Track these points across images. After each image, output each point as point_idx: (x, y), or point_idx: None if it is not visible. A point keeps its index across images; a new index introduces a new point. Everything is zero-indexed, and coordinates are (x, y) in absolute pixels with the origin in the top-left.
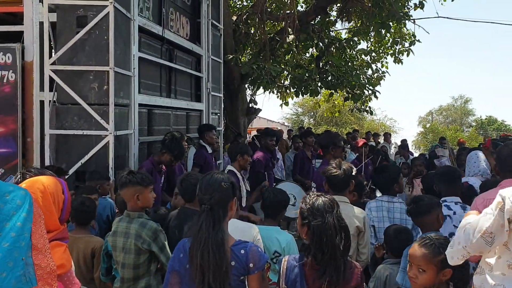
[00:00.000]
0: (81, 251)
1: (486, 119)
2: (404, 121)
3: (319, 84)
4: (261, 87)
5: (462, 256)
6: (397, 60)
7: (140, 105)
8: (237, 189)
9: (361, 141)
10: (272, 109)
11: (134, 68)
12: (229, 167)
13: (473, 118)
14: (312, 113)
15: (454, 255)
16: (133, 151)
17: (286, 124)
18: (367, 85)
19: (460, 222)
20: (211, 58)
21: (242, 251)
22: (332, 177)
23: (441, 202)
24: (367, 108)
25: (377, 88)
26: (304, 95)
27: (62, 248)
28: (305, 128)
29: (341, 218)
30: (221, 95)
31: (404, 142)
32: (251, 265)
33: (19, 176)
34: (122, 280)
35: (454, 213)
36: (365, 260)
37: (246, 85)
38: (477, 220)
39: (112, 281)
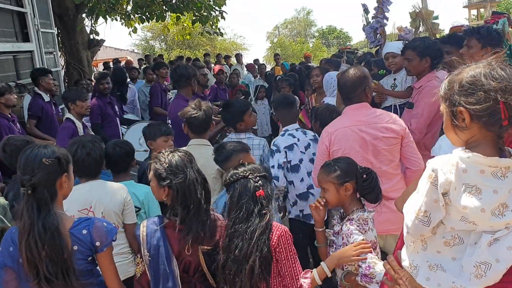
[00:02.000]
0: None
1: (327, 29)
2: (253, 37)
3: (164, 7)
4: (101, 16)
5: (413, 243)
6: None
7: None
8: (68, 161)
9: (216, 67)
10: (119, 36)
11: None
12: (67, 115)
13: (315, 29)
14: (162, 36)
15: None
16: None
17: (136, 51)
18: (213, 6)
19: (304, 147)
20: None
21: (84, 231)
22: (192, 119)
23: (284, 132)
24: (217, 30)
25: (223, 8)
26: (150, 21)
27: None
28: (157, 55)
29: (199, 170)
30: (54, 30)
31: (257, 62)
32: (97, 243)
33: None
34: None
35: (298, 140)
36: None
37: (84, 15)
38: (410, 202)
39: None
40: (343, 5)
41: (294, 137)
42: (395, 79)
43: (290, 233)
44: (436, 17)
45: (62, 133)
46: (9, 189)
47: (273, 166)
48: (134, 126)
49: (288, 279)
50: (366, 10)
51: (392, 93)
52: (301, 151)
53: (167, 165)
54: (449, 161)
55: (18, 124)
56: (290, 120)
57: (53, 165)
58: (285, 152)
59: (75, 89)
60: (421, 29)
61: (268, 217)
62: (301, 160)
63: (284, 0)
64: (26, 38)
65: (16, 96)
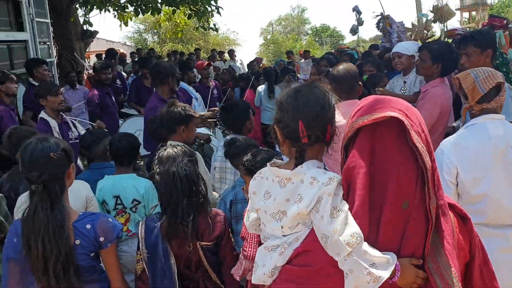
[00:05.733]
0: None
1: (320, 27)
2: (246, 33)
3: (159, 0)
4: (95, 7)
5: None
6: None
7: None
8: (72, 151)
9: (204, 62)
10: (112, 28)
11: None
12: (41, 114)
13: (309, 27)
14: (155, 30)
15: None
16: None
17: (128, 43)
18: (210, 0)
19: None
20: None
21: (88, 226)
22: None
23: None
24: (212, 25)
25: (219, 3)
26: (144, 14)
27: None
28: (149, 48)
29: (189, 166)
30: (48, 20)
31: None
32: (101, 239)
33: None
34: None
35: None
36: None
37: (77, 6)
38: None
39: None
40: (337, 4)
41: None
42: (405, 82)
43: None
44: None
45: None
46: (5, 181)
47: None
48: (130, 120)
49: None
50: (358, 12)
51: (400, 97)
52: None
53: (156, 156)
54: None
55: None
56: None
57: (61, 158)
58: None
59: (44, 84)
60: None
61: None
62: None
63: None
64: (20, 28)
65: (16, 85)
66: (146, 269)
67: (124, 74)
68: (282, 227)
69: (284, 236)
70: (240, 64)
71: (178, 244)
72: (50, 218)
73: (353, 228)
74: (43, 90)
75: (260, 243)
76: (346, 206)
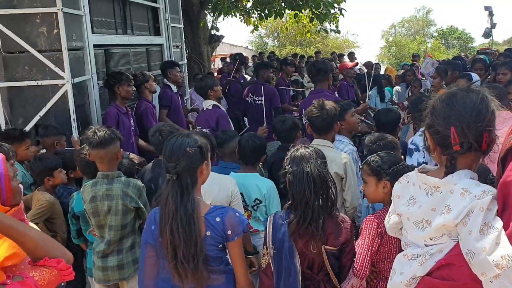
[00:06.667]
0: None
1: (447, 29)
2: (366, 35)
3: (283, 5)
4: (223, 13)
5: None
6: None
7: (95, 46)
8: (208, 150)
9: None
10: (234, 33)
11: (84, 6)
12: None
13: (434, 29)
14: (275, 34)
15: None
16: (94, 97)
17: (249, 47)
18: (332, 3)
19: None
20: None
21: (218, 219)
22: (314, 118)
23: (421, 132)
24: (336, 27)
25: (342, 5)
26: (268, 18)
27: None
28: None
29: (321, 167)
30: (181, 25)
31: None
32: (229, 232)
33: None
34: (108, 242)
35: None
36: (350, 207)
37: (206, 12)
38: None
39: (85, 242)
40: (466, 5)
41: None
42: None
43: None
44: None
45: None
46: (147, 172)
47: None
48: None
49: None
50: (490, 13)
51: None
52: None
53: (288, 156)
54: None
55: None
56: None
57: (196, 153)
58: (423, 151)
59: (208, 77)
60: None
61: None
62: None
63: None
64: (157, 32)
65: (155, 84)
66: (271, 264)
67: (247, 76)
68: (425, 236)
69: (426, 246)
70: (360, 67)
71: (304, 244)
72: (179, 207)
73: (505, 249)
74: (209, 83)
75: (372, 263)
76: (499, 224)
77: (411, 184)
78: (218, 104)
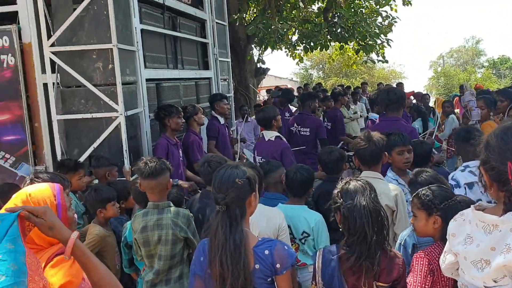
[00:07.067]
0: None
1: (498, 58)
2: (413, 65)
3: (328, 37)
4: (269, 47)
5: None
6: (406, 2)
7: (147, 80)
8: (256, 181)
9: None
10: (280, 65)
11: (137, 42)
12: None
13: (484, 59)
14: (321, 65)
15: None
16: (145, 129)
17: (294, 79)
18: (379, 34)
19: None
20: (216, 22)
21: (266, 252)
22: (362, 150)
23: (464, 167)
24: (382, 57)
25: (388, 35)
26: (313, 50)
27: (68, 262)
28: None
29: (375, 200)
30: (229, 59)
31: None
32: (278, 265)
33: (28, 182)
34: (157, 272)
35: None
36: None
37: (253, 46)
38: None
39: (136, 272)
40: None
41: (475, 175)
42: None
43: None
44: None
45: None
46: (195, 202)
47: None
48: None
49: None
50: None
51: None
52: (481, 192)
53: (339, 189)
54: None
55: None
56: (471, 156)
57: (244, 185)
58: (465, 188)
59: (271, 107)
60: None
61: None
62: (478, 201)
63: (453, 29)
64: (206, 66)
65: (203, 117)
66: None
67: (292, 108)
68: (484, 277)
69: (486, 287)
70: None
71: (355, 280)
72: (228, 238)
73: None
74: (271, 112)
75: None
76: None
77: (467, 222)
78: (281, 136)
